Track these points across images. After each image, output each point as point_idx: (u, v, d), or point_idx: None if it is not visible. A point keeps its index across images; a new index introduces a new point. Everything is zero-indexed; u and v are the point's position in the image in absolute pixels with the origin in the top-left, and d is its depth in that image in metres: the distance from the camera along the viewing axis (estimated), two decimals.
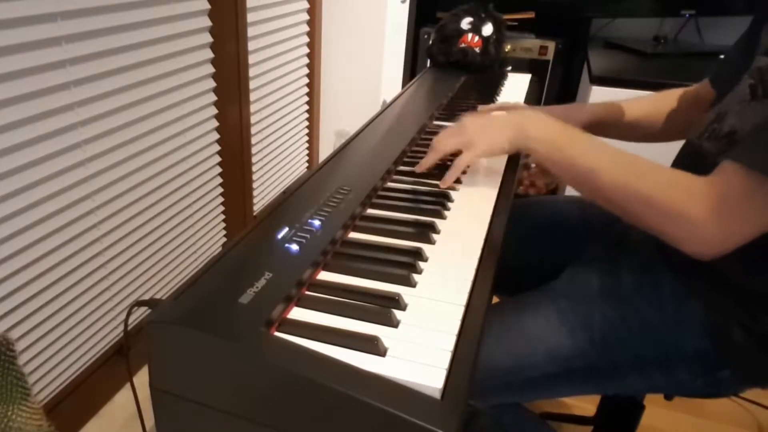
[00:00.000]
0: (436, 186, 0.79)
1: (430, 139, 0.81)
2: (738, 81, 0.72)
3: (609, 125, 0.97)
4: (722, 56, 0.90)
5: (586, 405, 1.29)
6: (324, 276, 0.58)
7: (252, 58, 1.51)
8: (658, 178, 0.65)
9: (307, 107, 1.94)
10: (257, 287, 0.52)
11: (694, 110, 0.92)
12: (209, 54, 1.35)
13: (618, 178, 0.67)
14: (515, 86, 1.30)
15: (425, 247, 0.63)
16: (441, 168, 0.82)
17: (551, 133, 0.74)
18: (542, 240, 0.97)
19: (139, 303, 0.57)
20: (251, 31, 1.48)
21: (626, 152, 0.68)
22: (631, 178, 0.66)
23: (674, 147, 0.84)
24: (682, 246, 0.63)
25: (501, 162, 0.88)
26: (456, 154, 0.79)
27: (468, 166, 0.82)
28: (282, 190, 1.89)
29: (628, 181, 0.66)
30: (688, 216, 0.61)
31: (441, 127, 0.96)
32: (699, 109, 0.91)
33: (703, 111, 0.89)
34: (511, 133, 0.75)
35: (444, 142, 0.79)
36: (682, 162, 0.81)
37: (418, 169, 0.82)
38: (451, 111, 1.09)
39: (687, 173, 0.64)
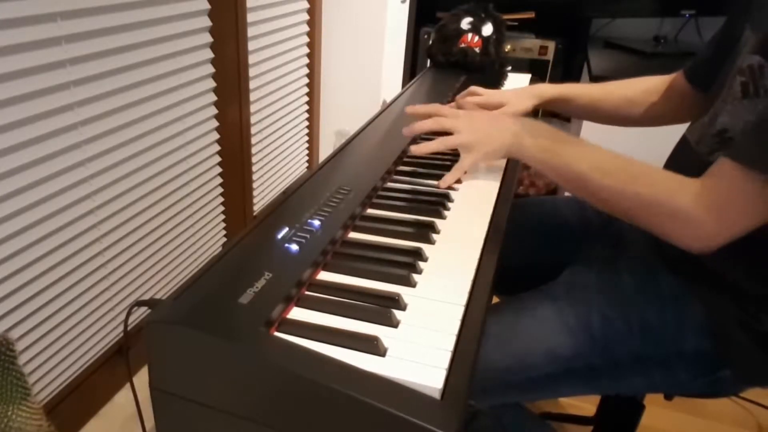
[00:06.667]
0: (436, 186, 0.79)
1: (430, 139, 0.81)
2: (723, 81, 0.72)
3: (564, 103, 1.03)
4: (697, 53, 0.91)
5: (586, 405, 1.29)
6: (324, 276, 0.58)
7: (252, 58, 1.51)
8: (652, 178, 0.67)
9: (307, 107, 1.94)
10: (257, 287, 0.52)
11: (664, 100, 0.95)
12: (209, 54, 1.35)
13: (612, 179, 0.68)
14: (515, 86, 1.30)
15: (425, 247, 0.63)
16: (439, 168, 0.82)
17: (546, 140, 0.76)
18: (542, 240, 0.97)
19: (139, 303, 0.57)
20: (251, 31, 1.47)
21: (620, 155, 0.70)
22: (626, 179, 0.67)
23: (667, 148, 0.84)
24: (682, 242, 0.65)
25: (501, 162, 0.88)
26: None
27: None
28: (282, 190, 1.89)
29: (622, 182, 0.68)
30: (686, 212, 0.63)
31: None
32: (669, 100, 0.94)
33: (674, 102, 0.93)
34: (508, 141, 0.78)
35: (448, 141, 0.80)
36: (675, 163, 0.81)
37: (414, 150, 0.81)
38: None
39: (680, 174, 0.66)
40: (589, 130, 1.93)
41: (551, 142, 0.76)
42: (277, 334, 0.49)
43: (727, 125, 0.68)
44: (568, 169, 0.72)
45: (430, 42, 1.40)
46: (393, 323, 0.51)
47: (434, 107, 0.87)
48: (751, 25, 0.71)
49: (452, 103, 1.02)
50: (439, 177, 0.80)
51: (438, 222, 0.69)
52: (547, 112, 2.08)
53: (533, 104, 1.02)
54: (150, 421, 0.58)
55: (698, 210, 0.62)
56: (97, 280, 1.14)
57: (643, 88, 0.96)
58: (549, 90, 1.03)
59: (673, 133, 0.86)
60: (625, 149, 0.70)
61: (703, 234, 0.63)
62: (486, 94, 1.05)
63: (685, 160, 0.77)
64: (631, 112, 0.97)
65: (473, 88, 1.08)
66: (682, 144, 0.81)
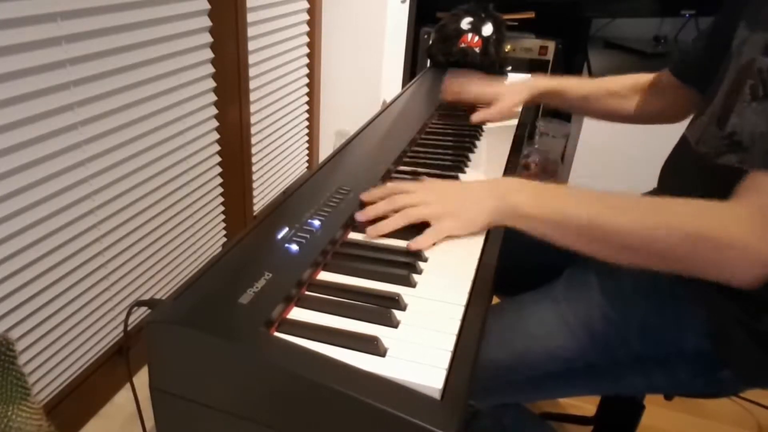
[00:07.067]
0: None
1: (431, 139, 0.80)
2: (722, 79, 0.72)
3: (557, 97, 1.03)
4: (685, 49, 0.91)
5: (586, 405, 1.29)
6: (324, 276, 0.58)
7: (252, 58, 1.51)
8: (688, 210, 0.58)
9: (307, 107, 1.94)
10: (257, 287, 0.52)
11: (655, 96, 0.96)
12: (209, 54, 1.35)
13: (643, 220, 0.59)
14: None
15: None
16: (440, 167, 0.82)
17: (543, 198, 0.65)
18: (542, 240, 0.97)
19: (139, 303, 0.57)
20: (251, 31, 1.48)
21: (631, 194, 0.62)
22: (660, 217, 0.58)
23: (666, 148, 0.84)
24: (737, 277, 0.57)
25: (501, 162, 0.88)
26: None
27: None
28: (282, 190, 1.89)
29: (657, 221, 0.58)
30: (739, 242, 0.55)
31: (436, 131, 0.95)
32: (663, 97, 0.95)
33: (668, 100, 0.94)
34: (491, 204, 0.66)
35: (411, 212, 0.66)
36: (674, 163, 0.81)
37: (372, 233, 0.66)
38: (451, 111, 1.09)
39: (707, 200, 0.58)
40: (590, 130, 1.93)
41: (540, 193, 0.66)
42: (277, 334, 0.49)
43: (737, 128, 0.68)
44: (573, 218, 0.62)
45: (430, 42, 1.40)
46: (393, 323, 0.51)
47: (389, 187, 0.70)
48: (749, 25, 0.70)
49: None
50: (440, 177, 0.80)
51: None
52: (547, 112, 2.09)
53: (527, 96, 1.02)
54: (150, 421, 0.58)
55: (751, 235, 0.55)
56: (97, 280, 1.14)
57: (629, 83, 0.98)
58: (542, 83, 1.03)
59: (674, 131, 0.86)
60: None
61: (761, 260, 0.55)
62: (475, 92, 1.05)
63: (684, 160, 0.77)
64: (620, 106, 0.98)
65: (455, 83, 1.07)
66: (682, 143, 0.81)
